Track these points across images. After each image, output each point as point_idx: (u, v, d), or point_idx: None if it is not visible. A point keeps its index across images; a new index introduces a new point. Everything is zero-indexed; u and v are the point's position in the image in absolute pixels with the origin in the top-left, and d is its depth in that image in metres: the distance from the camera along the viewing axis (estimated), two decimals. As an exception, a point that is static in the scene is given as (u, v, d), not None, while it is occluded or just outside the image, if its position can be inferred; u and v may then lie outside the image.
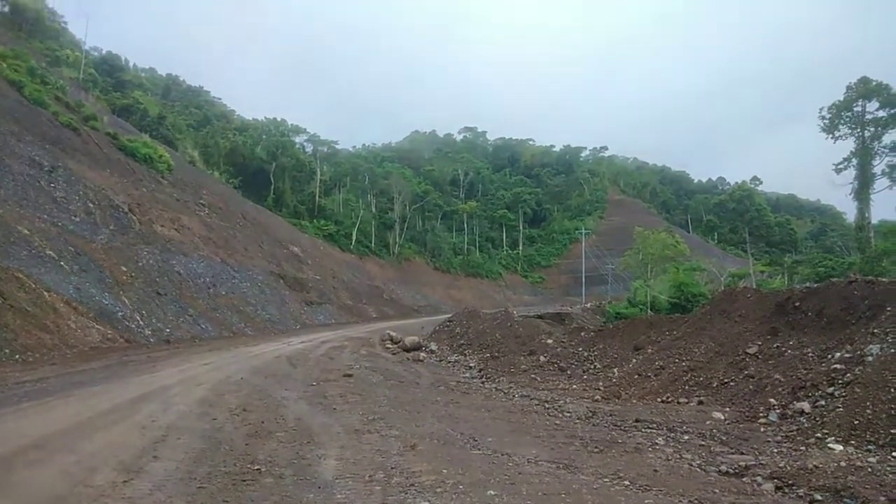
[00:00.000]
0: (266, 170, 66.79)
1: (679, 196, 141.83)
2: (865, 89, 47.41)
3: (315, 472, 6.50)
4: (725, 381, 12.89)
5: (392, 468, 6.69)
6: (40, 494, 5.41)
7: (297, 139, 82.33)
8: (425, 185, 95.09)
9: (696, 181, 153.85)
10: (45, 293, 19.94)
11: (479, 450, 7.84)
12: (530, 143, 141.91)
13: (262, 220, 53.06)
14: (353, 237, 69.47)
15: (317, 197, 72.91)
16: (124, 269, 26.65)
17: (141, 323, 23.83)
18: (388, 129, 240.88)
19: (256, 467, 6.58)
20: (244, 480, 6.09)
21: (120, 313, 23.14)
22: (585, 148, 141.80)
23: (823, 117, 49.55)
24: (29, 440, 7.36)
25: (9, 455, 6.65)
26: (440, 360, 20.43)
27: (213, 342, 24.87)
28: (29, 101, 33.05)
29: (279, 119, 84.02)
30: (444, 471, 6.59)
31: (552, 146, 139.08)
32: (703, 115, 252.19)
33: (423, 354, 21.13)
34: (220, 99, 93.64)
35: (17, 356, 15.82)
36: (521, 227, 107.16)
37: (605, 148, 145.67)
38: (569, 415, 10.88)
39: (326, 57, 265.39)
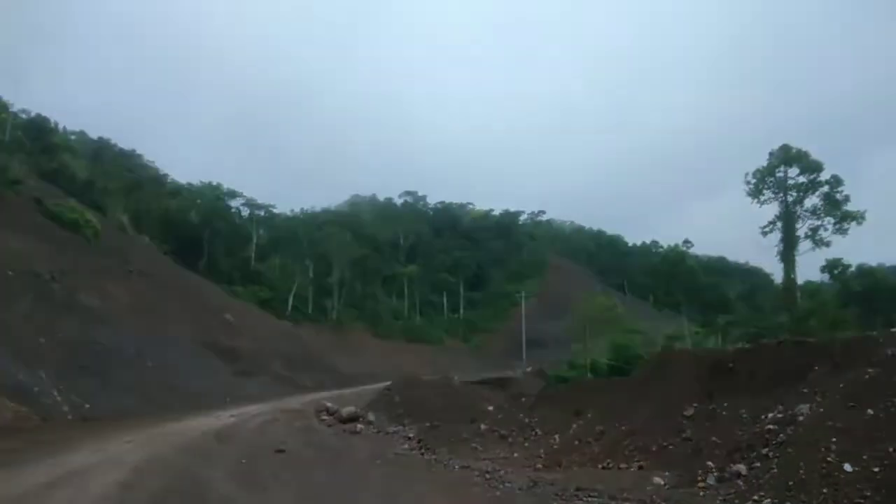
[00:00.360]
0: (199, 235, 65.30)
1: (615, 259, 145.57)
2: (787, 156, 50.42)
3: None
4: (665, 444, 12.93)
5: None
6: None
7: (234, 203, 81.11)
8: (365, 248, 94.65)
9: (630, 244, 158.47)
10: (-49, 369, 18.54)
11: (416, 529, 7.49)
12: (470, 206, 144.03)
13: (194, 286, 51.51)
14: (290, 303, 68.05)
15: (252, 262, 71.50)
16: (42, 340, 25.15)
17: (59, 399, 22.33)
18: (327, 194, 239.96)
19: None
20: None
21: (36, 388, 21.65)
22: (524, 212, 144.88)
23: (749, 182, 52.28)
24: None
25: None
26: (378, 431, 19.86)
27: (137, 418, 23.46)
28: (-55, 164, 31.68)
29: (215, 183, 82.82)
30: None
31: (492, 210, 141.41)
32: (637, 181, 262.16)
33: (360, 425, 20.50)
34: (153, 162, 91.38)
35: (-87, 440, 14.49)
36: (461, 291, 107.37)
37: (543, 212, 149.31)
38: (509, 485, 10.63)
39: (265, 121, 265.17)
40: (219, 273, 64.83)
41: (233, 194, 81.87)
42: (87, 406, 23.23)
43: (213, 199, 74.37)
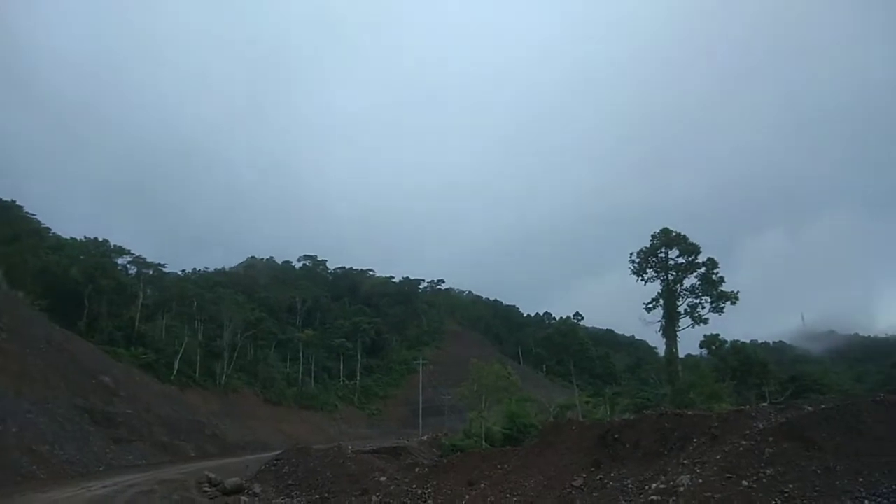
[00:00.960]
0: (80, 292, 61.14)
1: (511, 328, 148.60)
2: (667, 238, 54.05)
3: None
4: (554, 515, 13.11)
5: None
6: None
7: (120, 261, 76.83)
8: (259, 311, 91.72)
9: (525, 315, 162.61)
10: None
11: None
12: (370, 273, 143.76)
13: (70, 347, 47.84)
14: (175, 366, 64.33)
15: (136, 322, 67.47)
16: None
17: None
18: (224, 256, 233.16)
19: None
20: None
21: None
22: (423, 280, 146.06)
23: (633, 261, 55.46)
24: None
25: None
26: (264, 504, 18.90)
27: (-8, 491, 21.19)
28: None
29: (100, 239, 78.38)
30: None
31: (392, 277, 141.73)
32: (531, 255, 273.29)
33: (244, 498, 19.49)
34: (34, 215, 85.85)
35: None
36: (359, 357, 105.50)
37: (443, 281, 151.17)
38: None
39: (160, 181, 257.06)
40: (100, 333, 60.62)
41: (120, 251, 77.73)
42: (-67, 479, 20.83)
43: (97, 256, 70.17)
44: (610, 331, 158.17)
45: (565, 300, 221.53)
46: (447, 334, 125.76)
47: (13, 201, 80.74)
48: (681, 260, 53.94)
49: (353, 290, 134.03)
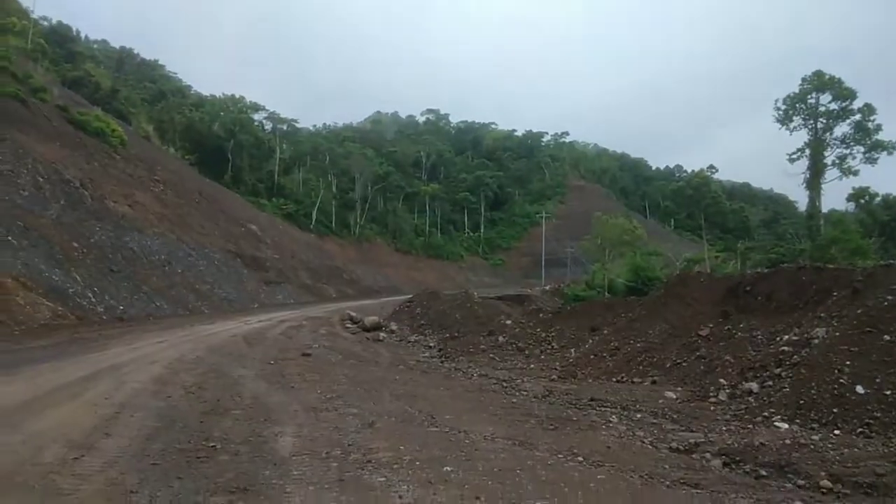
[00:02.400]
0: (223, 147, 65.32)
1: (637, 182, 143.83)
2: (819, 82, 48.75)
3: (271, 449, 6.45)
4: (678, 361, 13.20)
5: (349, 445, 6.68)
6: (-15, 473, 5.25)
7: (256, 117, 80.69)
8: (387, 166, 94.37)
9: (654, 168, 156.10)
10: (-9, 269, 19.28)
11: (436, 427, 7.88)
12: (493, 126, 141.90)
13: (219, 197, 52.07)
14: (314, 217, 68.69)
15: (276, 175, 71.72)
16: (75, 245, 25.90)
17: (93, 300, 23.23)
18: (350, 110, 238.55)
19: (212, 444, 6.49)
20: (199, 457, 6.01)
21: (71, 290, 22.52)
22: (547, 133, 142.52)
23: (779, 108, 50.87)
24: (-28, 419, 7.14)
25: (-49, 434, 6.44)
26: (400, 340, 20.46)
27: (167, 320, 24.42)
28: (-28, 69, 31.66)
29: (237, 96, 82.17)
30: (402, 447, 6.61)
31: (514, 130, 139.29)
32: (662, 104, 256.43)
33: (382, 334, 21.12)
34: (175, 74, 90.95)
35: (-40, 333, 15.30)
36: (482, 210, 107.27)
37: (567, 133, 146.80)
38: (525, 393, 11.02)
39: (288, 35, 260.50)
40: (243, 185, 65.29)
41: (256, 108, 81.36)
42: (121, 307, 24.16)
43: (236, 112, 73.92)
44: (746, 184, 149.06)
45: (698, 152, 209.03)
46: (570, 188, 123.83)
47: (156, 60, 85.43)
48: (833, 106, 48.78)
49: (476, 143, 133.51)
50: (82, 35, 79.22)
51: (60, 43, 63.84)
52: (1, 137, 28.10)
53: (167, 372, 11.31)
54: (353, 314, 25.39)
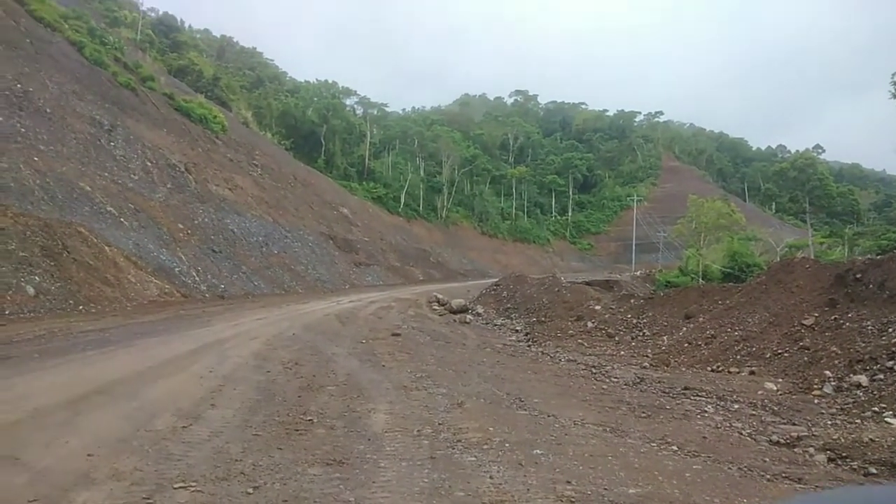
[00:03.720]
0: (317, 132, 67.20)
1: (736, 164, 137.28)
2: (943, 52, 44.75)
3: (365, 425, 6.64)
4: (779, 351, 12.61)
5: (440, 424, 6.78)
6: (105, 436, 5.67)
7: (348, 101, 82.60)
8: (474, 148, 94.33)
9: (754, 149, 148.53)
10: (107, 248, 20.74)
11: (525, 410, 7.88)
12: (583, 107, 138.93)
13: (313, 181, 53.70)
14: (402, 200, 69.76)
15: (366, 159, 73.19)
16: (181, 226, 27.45)
17: (197, 278, 24.59)
18: (438, 93, 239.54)
19: (309, 418, 6.75)
20: (297, 430, 6.27)
21: (177, 269, 23.92)
22: (640, 113, 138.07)
23: (895, 83, 47.02)
24: (94, 386, 7.71)
25: (75, 399, 6.99)
26: (486, 323, 20.55)
27: (265, 299, 25.54)
28: (89, 61, 33.88)
29: (330, 81, 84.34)
30: (491, 429, 6.65)
31: (605, 111, 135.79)
32: (762, 83, 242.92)
33: (469, 317, 21.27)
34: (272, 60, 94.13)
35: (80, 307, 16.57)
36: (570, 193, 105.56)
37: (661, 113, 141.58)
38: (616, 380, 10.83)
39: (377, 20, 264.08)
40: (335, 169, 67.04)
41: (347, 92, 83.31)
42: (222, 286, 25.45)
43: (328, 98, 75.83)
44: (856, 165, 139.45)
45: (802, 132, 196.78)
46: (664, 169, 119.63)
47: (254, 48, 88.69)
48: (961, 80, 44.59)
49: (565, 124, 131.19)
50: (186, 25, 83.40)
51: (166, 33, 67.46)
52: (114, 125, 30.04)
53: (266, 348, 11.83)
54: (440, 296, 25.69)
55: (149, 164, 30.16)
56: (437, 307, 23.87)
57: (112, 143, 28.82)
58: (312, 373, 9.53)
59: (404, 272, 49.68)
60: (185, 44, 69.23)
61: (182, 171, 32.42)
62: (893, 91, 47.25)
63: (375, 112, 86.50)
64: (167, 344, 11.80)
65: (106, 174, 26.35)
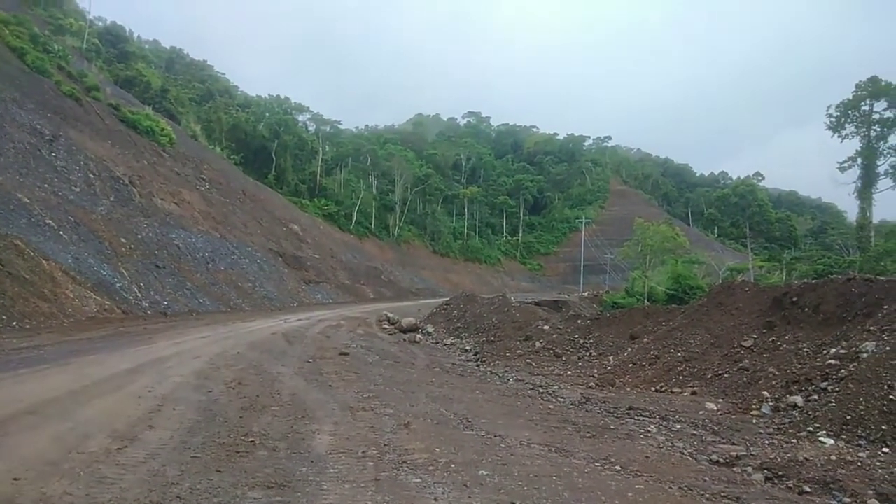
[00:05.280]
0: (268, 147, 66.47)
1: (680, 189, 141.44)
2: (874, 89, 47.24)
3: (309, 447, 6.52)
4: (719, 372, 12.94)
5: (385, 445, 6.71)
6: (34, 459, 5.42)
7: (300, 118, 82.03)
8: (427, 168, 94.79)
9: (698, 175, 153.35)
10: (44, 262, 19.95)
11: (472, 430, 7.87)
12: (534, 130, 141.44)
13: (263, 197, 52.98)
14: (354, 217, 69.41)
15: (318, 176, 72.68)
16: (123, 240, 26.64)
17: (139, 295, 23.86)
18: (391, 112, 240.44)
19: (250, 439, 6.59)
20: (238, 452, 6.11)
21: (118, 284, 23.17)
22: (589, 137, 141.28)
23: (831, 115, 49.44)
24: (24, 406, 7.39)
25: (4, 419, 6.68)
26: (436, 343, 20.50)
27: (210, 316, 24.93)
28: (31, 68, 32.81)
29: (282, 97, 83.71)
30: (437, 450, 6.62)
31: (556, 134, 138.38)
32: (707, 111, 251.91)
33: (419, 336, 21.18)
34: (223, 74, 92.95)
35: (14, 323, 15.86)
36: (521, 214, 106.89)
37: (609, 138, 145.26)
38: (562, 400, 10.92)
39: (332, 37, 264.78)
40: (286, 185, 66.34)
41: (300, 109, 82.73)
42: (165, 303, 24.74)
43: (281, 113, 75.20)
44: (793, 192, 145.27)
45: (743, 160, 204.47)
46: (612, 193, 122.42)
47: (205, 61, 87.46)
48: (888, 113, 47.16)
49: (517, 147, 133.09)
50: (135, 35, 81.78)
51: (114, 43, 65.86)
52: (56, 135, 29.08)
53: (209, 367, 11.54)
54: (390, 315, 25.54)
55: (91, 176, 29.26)
56: (387, 326, 23.72)
57: (53, 154, 27.87)
58: (256, 393, 9.33)
59: (355, 290, 49.27)
60: (134, 54, 67.77)
61: (126, 183, 31.55)
62: (829, 123, 49.77)
63: (328, 129, 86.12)
64: (105, 362, 11.40)
65: (46, 185, 25.43)
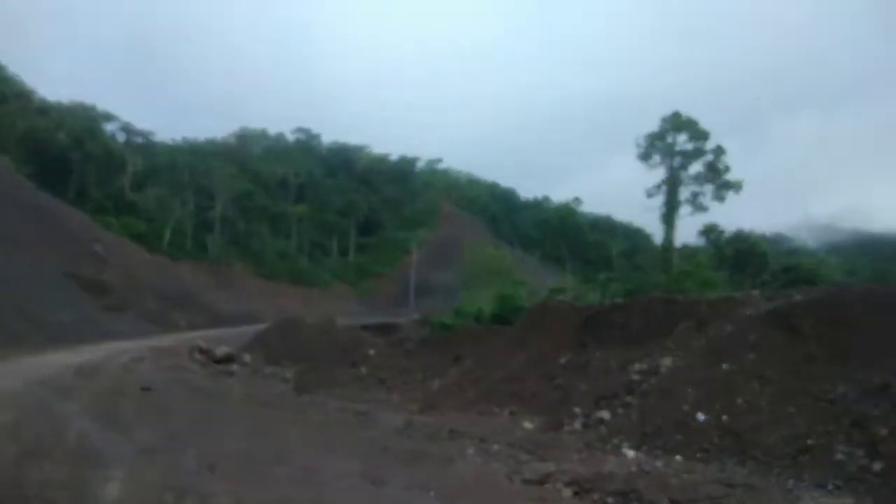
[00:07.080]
0: (68, 158, 60.00)
1: (507, 212, 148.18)
2: (677, 122, 52.98)
3: (95, 497, 5.79)
4: (536, 391, 13.46)
5: (184, 489, 6.09)
6: None
7: (109, 127, 75.19)
8: (251, 184, 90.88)
9: (523, 199, 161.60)
10: None
11: (285, 466, 7.43)
12: (366, 149, 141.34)
13: (59, 213, 47.69)
14: (166, 237, 64.62)
15: (126, 191, 66.92)
16: None
17: None
18: (214, 123, 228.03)
19: (25, 492, 5.76)
20: (7, 508, 5.19)
21: None
22: (420, 158, 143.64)
23: (639, 145, 54.64)
24: None
25: None
26: (254, 373, 19.52)
27: (-11, 350, 21.66)
28: None
29: (88, 104, 76.19)
30: (243, 490, 6.10)
31: (388, 154, 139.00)
32: (534, 137, 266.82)
33: (235, 366, 19.98)
34: (18, 76, 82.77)
35: None
36: (352, 235, 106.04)
37: (440, 160, 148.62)
38: (384, 427, 10.73)
39: (151, 43, 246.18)
40: (89, 202, 60.22)
41: (108, 117, 75.83)
42: (-72, 335, 21.19)
43: (85, 121, 68.46)
44: (608, 216, 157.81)
45: (567, 184, 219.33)
46: (443, 215, 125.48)
47: (-7, 60, 77.53)
48: (688, 146, 53.27)
49: (349, 166, 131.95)
50: None
51: None
52: None
53: (-21, 409, 9.87)
54: (204, 345, 23.73)
55: None
56: (199, 357, 22.02)
57: None
58: (36, 437, 8.12)
59: (165, 318, 45.57)
60: None
61: None
62: (638, 152, 54.97)
63: (140, 140, 79.85)
64: None
65: None
